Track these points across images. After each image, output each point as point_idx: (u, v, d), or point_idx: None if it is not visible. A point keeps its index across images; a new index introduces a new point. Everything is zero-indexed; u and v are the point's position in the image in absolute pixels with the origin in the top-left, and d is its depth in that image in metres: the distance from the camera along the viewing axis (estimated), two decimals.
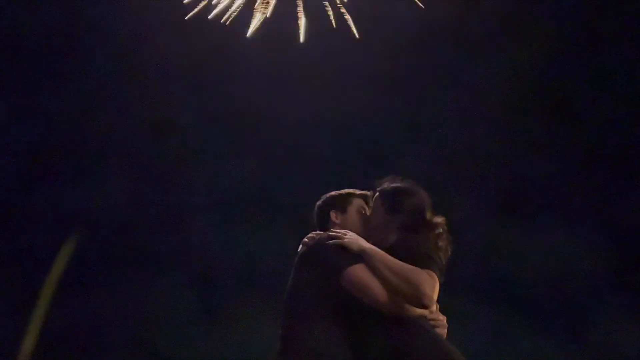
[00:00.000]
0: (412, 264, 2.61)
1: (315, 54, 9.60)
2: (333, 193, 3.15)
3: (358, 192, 3.12)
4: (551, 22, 10.48)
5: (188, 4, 8.53)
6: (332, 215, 3.02)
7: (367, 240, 2.81)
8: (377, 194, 2.98)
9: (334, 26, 8.69)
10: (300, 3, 8.39)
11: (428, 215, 2.90)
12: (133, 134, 10.81)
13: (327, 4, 8.40)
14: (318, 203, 3.16)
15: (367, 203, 3.05)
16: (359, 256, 2.68)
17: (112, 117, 10.77)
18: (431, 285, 2.57)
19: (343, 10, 8.46)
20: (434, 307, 2.77)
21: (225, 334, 10.78)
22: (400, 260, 2.64)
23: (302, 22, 8.60)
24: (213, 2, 8.40)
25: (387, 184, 2.99)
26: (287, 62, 9.92)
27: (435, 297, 2.64)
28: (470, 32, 10.33)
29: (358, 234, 2.84)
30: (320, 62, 9.91)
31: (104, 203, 10.64)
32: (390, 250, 2.73)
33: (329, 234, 2.81)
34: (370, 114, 10.74)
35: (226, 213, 11.00)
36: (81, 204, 10.64)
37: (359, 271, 2.63)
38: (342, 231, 2.81)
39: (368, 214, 3.01)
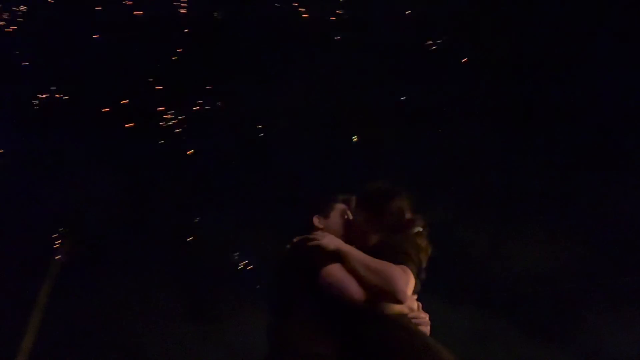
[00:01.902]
0: (389, 262, 2.63)
1: None
2: (316, 199, 3.21)
3: (340, 196, 3.15)
4: None
5: None
6: (315, 220, 3.06)
7: (351, 242, 2.83)
8: (358, 197, 3.01)
9: None
10: None
11: (408, 215, 2.93)
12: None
13: None
14: (302, 209, 3.20)
15: (350, 207, 3.08)
16: (336, 257, 2.71)
17: None
18: (405, 281, 2.57)
19: None
20: (415, 305, 2.78)
21: (215, 335, 10.78)
22: (379, 259, 2.65)
23: None
24: None
25: (367, 187, 3.02)
26: None
27: (410, 292, 2.63)
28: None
29: (341, 237, 2.87)
30: None
31: (92, 203, 10.60)
32: (372, 251, 2.74)
33: (306, 237, 2.84)
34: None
35: (220, 221, 10.98)
36: (70, 203, 10.60)
37: (334, 270, 2.66)
38: (320, 233, 2.85)
39: (351, 217, 3.04)
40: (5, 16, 9.18)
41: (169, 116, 10.21)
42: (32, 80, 10.14)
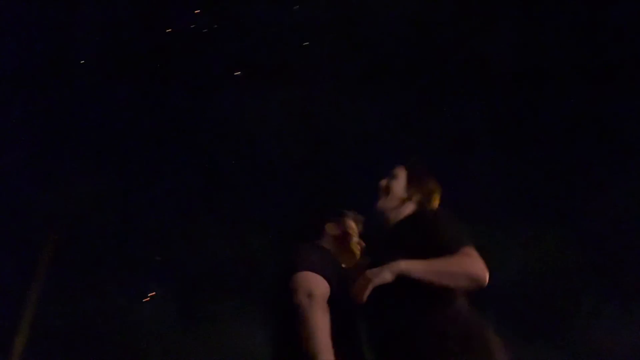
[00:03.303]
0: (448, 243, 2.52)
1: None
2: (325, 206, 3.23)
3: (348, 211, 3.12)
4: None
5: None
6: (331, 227, 3.01)
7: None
8: (403, 166, 3.01)
9: None
10: None
11: (436, 200, 2.95)
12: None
13: None
14: (309, 214, 3.13)
15: (350, 224, 3.05)
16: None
17: None
18: (478, 263, 2.45)
19: None
20: None
21: (203, 336, 10.77)
22: (432, 235, 2.55)
23: None
24: None
25: (412, 160, 3.05)
26: None
27: (482, 265, 2.48)
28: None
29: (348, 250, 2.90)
30: None
31: (85, 207, 10.57)
32: (408, 221, 2.73)
33: (363, 272, 2.54)
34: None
35: (206, 219, 10.96)
36: (62, 207, 10.56)
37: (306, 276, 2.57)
38: (377, 271, 2.51)
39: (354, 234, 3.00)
40: None
41: None
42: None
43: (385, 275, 2.41)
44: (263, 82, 10.28)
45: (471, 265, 2.43)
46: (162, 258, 10.95)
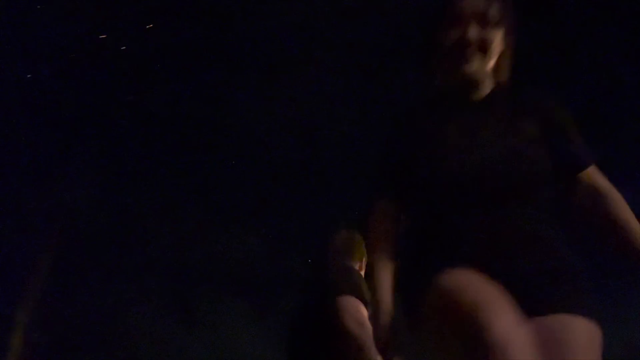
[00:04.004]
0: (584, 150, 1.86)
1: None
2: None
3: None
4: None
5: None
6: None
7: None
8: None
9: None
10: None
11: None
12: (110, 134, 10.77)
13: None
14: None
15: None
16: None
17: None
18: None
19: None
20: None
21: (203, 336, 10.78)
22: (566, 130, 1.85)
23: None
24: None
25: None
26: None
27: None
28: None
29: None
30: None
31: (85, 207, 10.57)
32: (524, 101, 1.85)
33: None
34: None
35: (203, 220, 10.96)
36: (62, 207, 10.56)
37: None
38: None
39: None
40: None
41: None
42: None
43: None
44: (263, 81, 10.31)
45: None
46: (161, 258, 10.93)
